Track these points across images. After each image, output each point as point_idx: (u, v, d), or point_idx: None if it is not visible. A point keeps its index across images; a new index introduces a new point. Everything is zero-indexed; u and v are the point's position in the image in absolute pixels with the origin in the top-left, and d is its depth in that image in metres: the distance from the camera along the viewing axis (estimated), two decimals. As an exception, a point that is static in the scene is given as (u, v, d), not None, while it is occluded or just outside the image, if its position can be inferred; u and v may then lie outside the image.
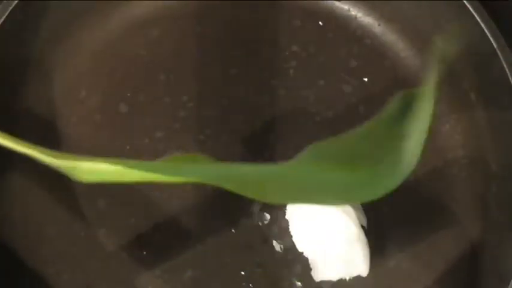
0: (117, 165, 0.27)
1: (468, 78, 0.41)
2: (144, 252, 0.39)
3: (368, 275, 0.38)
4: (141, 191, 0.40)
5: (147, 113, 0.42)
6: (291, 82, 0.43)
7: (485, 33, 0.39)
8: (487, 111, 0.41)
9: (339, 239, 0.37)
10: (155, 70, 0.43)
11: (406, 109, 0.29)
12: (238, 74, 0.43)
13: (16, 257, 0.39)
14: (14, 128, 0.41)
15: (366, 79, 0.43)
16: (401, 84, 0.43)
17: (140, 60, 0.43)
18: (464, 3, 0.39)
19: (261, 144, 0.41)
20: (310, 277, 0.39)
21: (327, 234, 0.38)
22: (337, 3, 0.45)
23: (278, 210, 0.40)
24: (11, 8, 0.39)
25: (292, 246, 0.39)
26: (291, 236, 0.39)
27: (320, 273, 0.38)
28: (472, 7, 0.39)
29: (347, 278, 0.38)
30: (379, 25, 0.44)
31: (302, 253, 0.39)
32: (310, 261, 0.39)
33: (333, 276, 0.38)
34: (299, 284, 0.39)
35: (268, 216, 0.40)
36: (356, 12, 0.44)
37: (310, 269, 0.39)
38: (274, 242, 0.40)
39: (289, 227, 0.39)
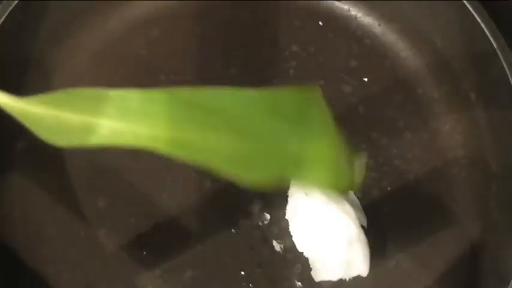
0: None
1: (468, 78, 0.41)
2: (144, 252, 0.39)
3: (368, 275, 0.38)
4: (141, 191, 0.40)
5: (147, 113, 0.42)
6: (291, 82, 0.43)
7: (485, 33, 0.39)
8: (487, 111, 0.41)
9: (339, 239, 0.37)
10: (155, 70, 0.43)
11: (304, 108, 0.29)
12: (238, 74, 0.43)
13: (16, 257, 0.39)
14: (14, 128, 0.41)
15: (366, 79, 0.43)
16: (401, 84, 0.43)
17: (140, 60, 0.43)
18: (464, 3, 0.40)
19: (261, 144, 0.41)
20: (310, 277, 0.39)
21: (327, 234, 0.38)
22: (337, 3, 0.45)
23: (278, 210, 0.40)
24: (11, 8, 0.39)
25: (292, 246, 0.39)
26: (291, 236, 0.39)
27: (320, 273, 0.38)
28: (472, 7, 0.39)
29: (347, 278, 0.38)
30: (379, 25, 0.44)
31: (302, 253, 0.39)
32: (310, 261, 0.39)
33: (333, 276, 0.38)
34: (299, 284, 0.39)
35: (268, 216, 0.40)
36: (356, 12, 0.44)
37: (310, 269, 0.39)
38: (274, 242, 0.40)
39: (289, 227, 0.39)
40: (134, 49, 0.43)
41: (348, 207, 0.38)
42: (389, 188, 0.41)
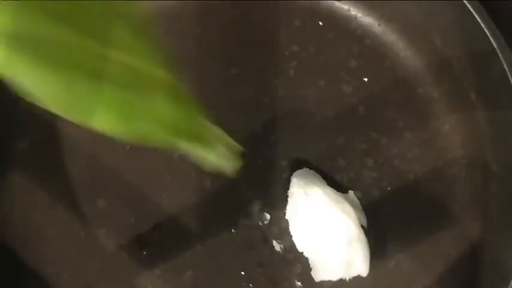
0: None
1: (468, 78, 0.41)
2: (144, 252, 0.39)
3: (368, 275, 0.38)
4: (141, 191, 0.40)
5: (147, 113, 0.42)
6: (291, 82, 0.43)
7: (485, 33, 0.39)
8: (487, 111, 0.41)
9: (339, 239, 0.37)
10: (155, 70, 0.43)
11: None
12: (238, 74, 0.43)
13: (16, 257, 0.39)
14: (14, 128, 0.41)
15: (366, 79, 0.43)
16: (401, 84, 0.43)
17: (140, 60, 0.43)
18: (464, 3, 0.39)
19: (261, 144, 0.41)
20: (310, 277, 0.39)
21: (327, 234, 0.38)
22: (337, 3, 0.45)
23: (278, 210, 0.40)
24: (11, 8, 0.39)
25: (292, 246, 0.39)
26: (291, 236, 0.39)
27: (320, 273, 0.38)
28: (472, 7, 0.39)
29: (347, 278, 0.38)
30: (379, 25, 0.44)
31: (302, 253, 0.39)
32: (310, 261, 0.39)
33: (333, 276, 0.38)
34: (299, 284, 0.39)
35: (268, 216, 0.40)
36: (356, 12, 0.44)
37: (310, 269, 0.39)
38: (274, 242, 0.40)
39: (289, 227, 0.39)
40: (134, 49, 0.43)
41: (348, 207, 0.38)
42: (389, 188, 0.41)
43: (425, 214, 0.41)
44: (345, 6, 0.45)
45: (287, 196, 0.40)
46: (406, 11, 0.43)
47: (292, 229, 0.39)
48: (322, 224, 0.38)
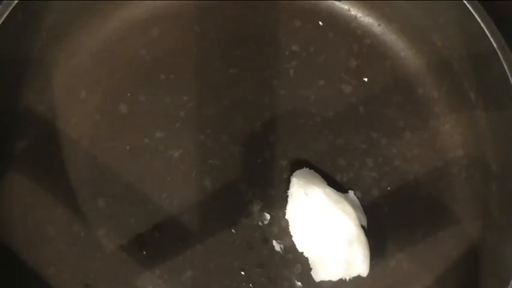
0: None
1: (468, 78, 0.41)
2: (144, 252, 0.39)
3: (368, 275, 0.38)
4: (141, 191, 0.40)
5: (147, 113, 0.42)
6: (291, 82, 0.43)
7: (485, 33, 0.39)
8: (487, 111, 0.41)
9: (339, 239, 0.37)
10: (155, 70, 0.43)
11: None
12: (238, 74, 0.43)
13: (16, 257, 0.39)
14: (14, 128, 0.41)
15: (366, 79, 0.43)
16: (401, 84, 0.43)
17: (140, 60, 0.43)
18: (464, 3, 0.39)
19: (261, 144, 0.41)
20: (310, 277, 0.39)
21: (326, 234, 0.38)
22: (337, 3, 0.45)
23: (278, 210, 0.40)
24: (11, 8, 0.39)
25: (292, 246, 0.39)
26: (291, 236, 0.39)
27: (320, 273, 0.38)
28: (472, 7, 0.39)
29: (347, 278, 0.38)
30: (379, 25, 0.44)
31: (302, 253, 0.39)
32: (310, 261, 0.39)
33: (333, 276, 0.38)
34: (299, 284, 0.39)
35: (268, 216, 0.40)
36: (356, 12, 0.44)
37: (310, 269, 0.39)
38: (274, 242, 0.40)
39: (289, 227, 0.39)
40: (134, 49, 0.43)
41: (348, 207, 0.38)
42: (389, 188, 0.41)
43: (425, 214, 0.41)
44: (345, 6, 0.45)
45: (287, 196, 0.40)
46: (406, 11, 0.43)
47: (292, 229, 0.39)
48: (322, 224, 0.38)
